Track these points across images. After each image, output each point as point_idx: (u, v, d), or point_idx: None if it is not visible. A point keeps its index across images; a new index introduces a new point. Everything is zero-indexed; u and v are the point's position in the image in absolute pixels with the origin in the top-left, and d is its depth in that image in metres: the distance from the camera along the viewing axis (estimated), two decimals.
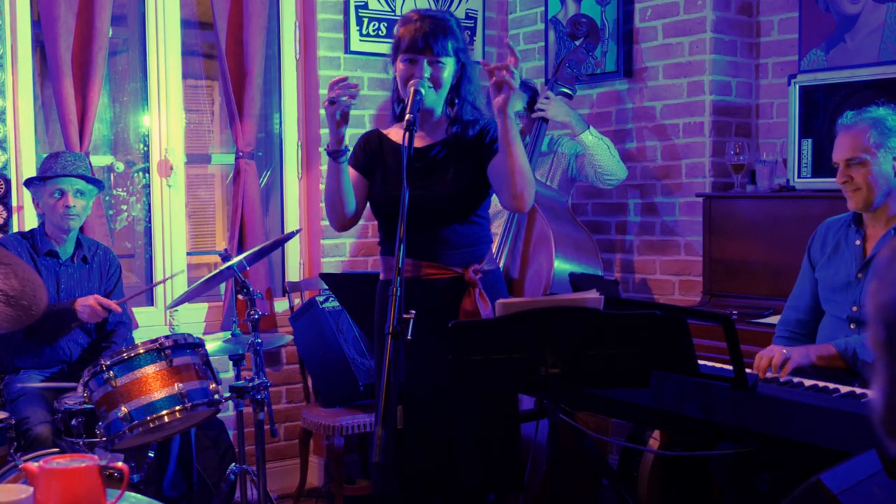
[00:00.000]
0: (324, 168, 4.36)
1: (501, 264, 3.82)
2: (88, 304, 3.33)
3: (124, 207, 4.29)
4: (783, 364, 2.55)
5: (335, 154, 2.60)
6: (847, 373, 2.60)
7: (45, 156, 3.57)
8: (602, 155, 3.89)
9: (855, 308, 2.73)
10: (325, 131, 4.36)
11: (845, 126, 2.73)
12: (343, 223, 2.74)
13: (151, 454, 3.31)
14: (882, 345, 0.97)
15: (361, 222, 4.42)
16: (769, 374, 2.55)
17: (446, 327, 2.34)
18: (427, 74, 2.59)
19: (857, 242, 2.78)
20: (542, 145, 4.01)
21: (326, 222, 4.37)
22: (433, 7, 4.56)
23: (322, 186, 4.36)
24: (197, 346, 3.04)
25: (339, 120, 2.53)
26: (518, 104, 4.04)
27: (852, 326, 2.74)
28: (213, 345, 3.21)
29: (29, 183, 3.45)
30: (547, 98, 3.93)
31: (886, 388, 0.97)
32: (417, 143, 2.68)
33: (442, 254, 2.63)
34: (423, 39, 2.58)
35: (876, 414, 0.99)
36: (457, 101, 2.68)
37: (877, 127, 2.67)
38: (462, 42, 2.66)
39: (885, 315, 0.97)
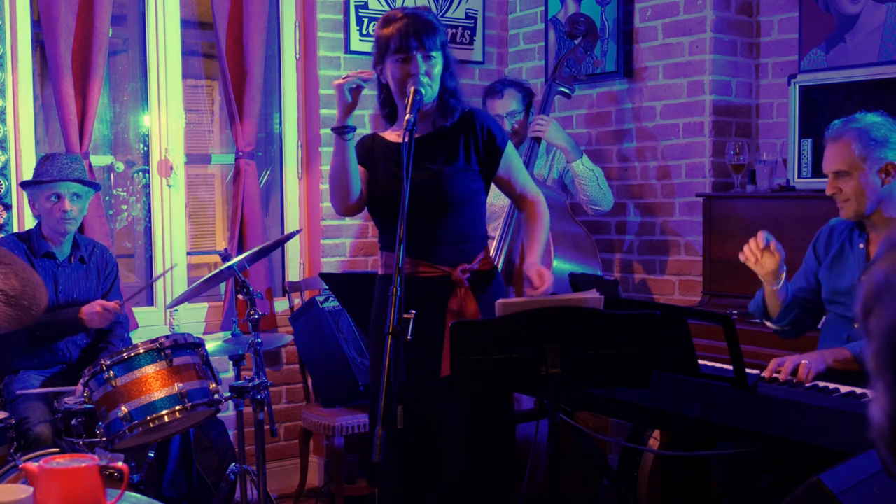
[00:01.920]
0: (324, 168, 4.37)
1: (500, 264, 3.82)
2: (95, 310, 3.33)
3: (124, 207, 4.29)
4: (804, 373, 2.52)
5: (340, 130, 2.61)
6: (861, 376, 2.59)
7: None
8: (590, 186, 3.91)
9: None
10: (325, 131, 4.36)
11: (832, 138, 2.71)
12: (347, 206, 2.72)
13: (151, 454, 3.31)
14: (886, 364, 0.96)
15: (360, 221, 4.44)
16: (782, 377, 2.53)
17: (434, 326, 2.35)
18: (423, 70, 2.59)
19: (861, 246, 2.79)
20: (536, 163, 4.00)
21: (326, 222, 4.38)
22: (433, 7, 4.56)
23: (322, 186, 4.37)
24: (197, 346, 3.04)
25: (350, 100, 2.55)
26: (512, 104, 4.05)
27: (856, 325, 2.74)
28: (213, 345, 3.21)
29: (25, 185, 3.44)
30: (543, 119, 3.93)
31: (890, 407, 0.95)
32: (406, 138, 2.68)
33: (431, 251, 2.62)
34: (415, 36, 2.58)
35: (877, 430, 0.97)
36: (445, 93, 2.68)
37: (861, 139, 2.64)
38: (445, 35, 2.68)
39: (893, 338, 0.95)
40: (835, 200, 2.77)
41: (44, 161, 3.41)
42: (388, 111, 2.74)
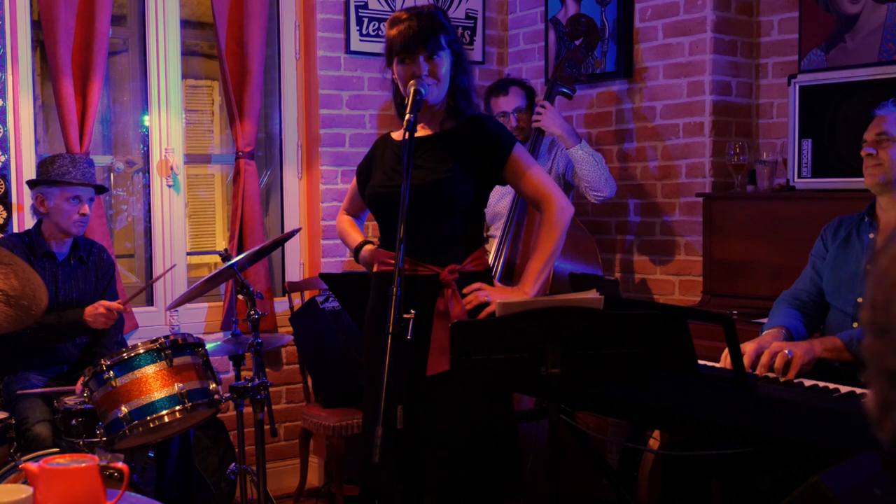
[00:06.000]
0: (324, 168, 4.37)
1: (501, 264, 3.82)
2: (99, 311, 3.33)
3: (124, 207, 4.30)
4: (787, 365, 2.53)
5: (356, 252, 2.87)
6: (852, 366, 2.59)
7: (45, 156, 3.57)
8: (590, 170, 3.88)
9: (860, 300, 2.73)
10: (325, 131, 4.37)
11: (887, 108, 2.79)
12: None
13: (151, 454, 3.31)
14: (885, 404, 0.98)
15: None
16: (770, 374, 2.54)
17: (420, 326, 2.35)
18: (426, 71, 2.58)
19: (871, 235, 2.79)
20: (543, 149, 4.01)
21: (326, 222, 4.38)
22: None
23: (322, 186, 4.37)
24: (197, 346, 3.04)
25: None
26: (516, 101, 4.05)
27: (855, 325, 2.73)
28: (213, 345, 3.22)
29: (46, 183, 3.39)
30: (542, 108, 3.92)
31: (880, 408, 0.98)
32: (406, 138, 2.67)
33: (423, 250, 2.60)
34: (415, 39, 2.57)
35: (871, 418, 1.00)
36: (457, 93, 2.67)
37: None
38: (453, 32, 2.65)
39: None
40: (859, 175, 2.81)
41: (64, 162, 3.40)
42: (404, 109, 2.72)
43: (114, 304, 3.36)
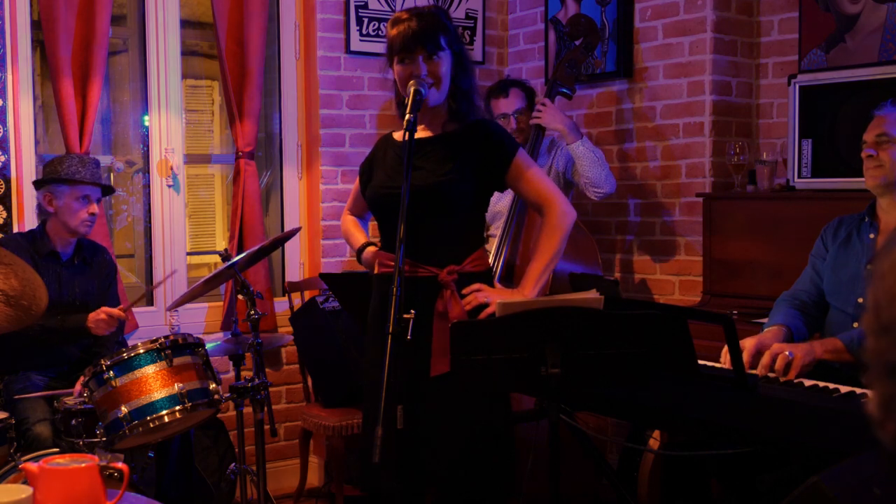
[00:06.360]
0: (324, 168, 4.37)
1: (501, 264, 3.82)
2: (101, 318, 3.33)
3: (124, 207, 4.30)
4: (787, 366, 2.53)
5: (359, 253, 2.87)
6: (852, 367, 2.59)
7: (46, 156, 3.57)
8: (591, 168, 3.87)
9: (861, 300, 2.73)
10: (325, 131, 4.37)
11: (886, 108, 2.79)
12: None
13: (151, 454, 3.31)
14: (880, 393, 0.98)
15: None
16: (770, 374, 2.54)
17: (421, 327, 2.35)
18: (425, 72, 2.58)
19: (872, 236, 2.79)
20: (542, 148, 4.01)
21: (326, 222, 4.38)
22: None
23: (322, 186, 4.37)
24: (197, 346, 3.04)
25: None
26: (517, 102, 4.06)
27: (855, 325, 2.73)
28: (212, 345, 3.21)
29: (53, 182, 3.41)
30: (543, 104, 3.93)
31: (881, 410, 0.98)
32: (416, 136, 2.67)
33: (422, 251, 2.59)
34: (414, 39, 2.57)
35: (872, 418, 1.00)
36: (458, 94, 2.66)
37: None
38: (453, 32, 2.64)
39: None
40: (858, 177, 2.81)
41: (69, 161, 3.41)
42: (404, 109, 2.72)
43: (115, 311, 3.36)
